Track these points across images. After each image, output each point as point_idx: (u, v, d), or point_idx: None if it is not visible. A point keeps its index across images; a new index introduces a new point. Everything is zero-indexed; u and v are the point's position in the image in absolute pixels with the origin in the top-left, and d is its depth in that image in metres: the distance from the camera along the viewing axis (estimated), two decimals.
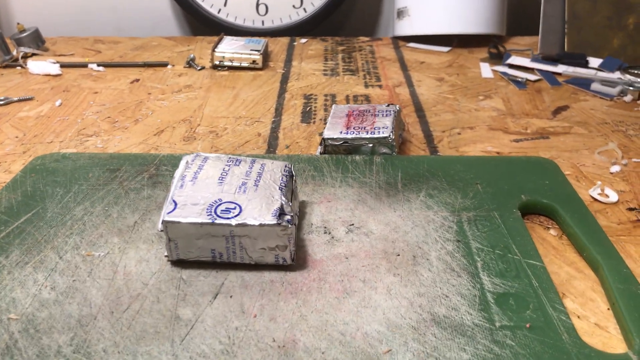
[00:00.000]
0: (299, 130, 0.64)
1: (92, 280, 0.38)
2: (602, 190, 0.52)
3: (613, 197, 0.50)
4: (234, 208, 0.38)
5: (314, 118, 0.67)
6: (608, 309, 0.38)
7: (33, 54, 0.88)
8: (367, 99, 0.72)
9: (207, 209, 0.38)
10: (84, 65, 0.84)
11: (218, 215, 0.38)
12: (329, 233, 0.43)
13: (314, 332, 0.34)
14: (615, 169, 0.55)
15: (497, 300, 0.37)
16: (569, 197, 0.48)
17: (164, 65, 0.84)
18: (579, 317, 0.37)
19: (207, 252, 0.39)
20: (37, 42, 0.89)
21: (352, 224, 0.44)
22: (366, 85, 0.77)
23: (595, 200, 0.50)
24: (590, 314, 0.37)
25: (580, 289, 0.40)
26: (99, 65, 0.83)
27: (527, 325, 0.35)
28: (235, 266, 0.39)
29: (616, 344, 0.35)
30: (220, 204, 0.39)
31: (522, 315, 0.35)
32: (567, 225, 0.45)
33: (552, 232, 0.46)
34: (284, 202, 0.39)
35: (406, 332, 0.34)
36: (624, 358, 0.33)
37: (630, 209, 0.49)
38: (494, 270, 0.39)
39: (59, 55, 0.89)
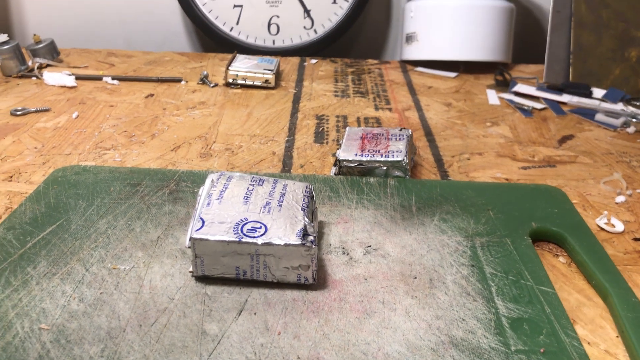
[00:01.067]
0: (312, 150, 0.65)
1: (119, 293, 0.39)
2: (609, 219, 0.53)
3: (619, 226, 0.52)
4: (260, 227, 0.40)
5: (327, 138, 0.68)
6: (617, 336, 0.39)
7: (48, 65, 0.90)
8: (378, 121, 0.74)
9: (234, 228, 0.39)
10: (99, 78, 0.85)
11: (244, 234, 0.39)
12: (347, 254, 0.44)
13: (337, 351, 0.35)
14: (620, 199, 0.57)
15: (512, 324, 0.38)
16: (577, 225, 0.49)
17: (178, 81, 0.85)
18: (589, 343, 0.39)
19: (232, 270, 0.40)
20: (52, 53, 0.91)
21: (370, 246, 0.45)
22: (376, 108, 0.79)
23: (602, 229, 0.52)
24: (600, 340, 0.39)
25: (590, 316, 0.41)
26: (113, 78, 0.85)
27: (542, 350, 0.36)
28: (258, 284, 0.41)
29: None
30: (246, 223, 0.40)
31: (536, 340, 0.37)
32: (576, 253, 0.46)
33: (561, 259, 0.47)
34: (307, 223, 0.41)
35: (426, 353, 0.35)
36: None
37: (636, 239, 0.51)
38: (508, 296, 0.40)
39: (73, 67, 0.90)
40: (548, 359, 0.35)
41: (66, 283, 0.40)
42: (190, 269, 0.41)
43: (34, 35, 0.89)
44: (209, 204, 0.42)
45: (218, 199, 0.42)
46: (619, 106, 0.80)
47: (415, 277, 0.42)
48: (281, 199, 0.43)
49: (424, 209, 0.51)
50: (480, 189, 0.54)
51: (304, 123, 0.73)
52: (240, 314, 0.38)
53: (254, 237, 0.39)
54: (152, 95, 0.80)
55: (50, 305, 0.38)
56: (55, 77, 0.83)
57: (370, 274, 0.42)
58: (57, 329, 0.36)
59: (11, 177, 0.57)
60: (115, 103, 0.77)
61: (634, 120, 0.75)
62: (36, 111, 0.73)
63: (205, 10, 1.01)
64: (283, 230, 0.40)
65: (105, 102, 0.77)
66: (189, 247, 0.39)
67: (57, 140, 0.65)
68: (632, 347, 0.37)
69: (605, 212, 0.54)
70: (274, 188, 0.44)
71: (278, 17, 1.02)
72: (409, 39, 0.96)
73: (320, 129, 0.71)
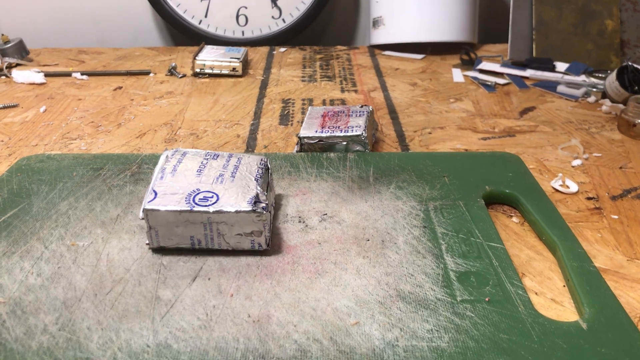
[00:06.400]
0: (277, 131, 0.66)
1: (77, 267, 0.40)
2: (563, 181, 0.54)
3: (573, 187, 0.53)
4: (212, 197, 0.41)
5: (292, 120, 0.69)
6: (564, 285, 0.40)
7: (17, 64, 0.90)
8: (343, 102, 0.75)
9: (186, 198, 0.40)
10: (68, 74, 0.86)
11: (196, 203, 0.40)
12: (303, 222, 0.45)
13: (287, 308, 0.36)
14: (576, 162, 0.58)
15: (459, 278, 0.39)
16: (530, 187, 0.51)
17: (146, 73, 0.86)
18: (536, 293, 0.40)
19: (187, 239, 0.41)
20: (21, 52, 0.91)
21: (326, 214, 0.46)
22: (342, 90, 0.80)
23: (557, 190, 0.53)
24: (547, 290, 0.40)
25: (539, 269, 0.42)
26: (82, 74, 0.85)
27: (487, 299, 0.37)
28: (213, 252, 0.42)
29: (569, 316, 0.37)
30: (198, 193, 0.41)
31: (482, 291, 0.38)
32: (528, 213, 0.47)
33: (514, 219, 0.48)
34: (259, 192, 0.42)
35: (373, 306, 0.36)
36: (574, 325, 0.35)
37: (589, 198, 0.52)
38: (457, 252, 0.42)
39: (43, 66, 0.91)
40: (493, 306, 0.36)
41: (25, 260, 0.41)
42: (147, 241, 0.42)
43: (2, 35, 0.90)
44: (162, 177, 0.42)
45: (172, 172, 0.43)
46: (581, 78, 0.82)
47: (368, 240, 0.43)
48: (235, 170, 0.44)
49: (381, 179, 0.52)
50: (438, 159, 0.56)
51: (270, 107, 0.73)
52: (194, 280, 0.39)
53: (206, 206, 0.40)
54: (120, 87, 0.81)
55: (7, 281, 0.39)
56: (24, 75, 0.83)
57: (325, 239, 0.43)
58: (13, 301, 0.37)
59: None
60: (83, 97, 0.77)
61: (594, 90, 0.76)
62: (4, 107, 0.73)
63: (173, 4, 1.02)
64: (235, 198, 0.41)
65: (73, 96, 0.77)
66: (143, 219, 0.40)
67: (24, 133, 0.66)
68: (576, 293, 0.38)
69: (560, 175, 0.55)
70: (228, 162, 0.45)
71: (246, 7, 1.02)
72: (376, 23, 0.98)
73: (286, 111, 0.72)
